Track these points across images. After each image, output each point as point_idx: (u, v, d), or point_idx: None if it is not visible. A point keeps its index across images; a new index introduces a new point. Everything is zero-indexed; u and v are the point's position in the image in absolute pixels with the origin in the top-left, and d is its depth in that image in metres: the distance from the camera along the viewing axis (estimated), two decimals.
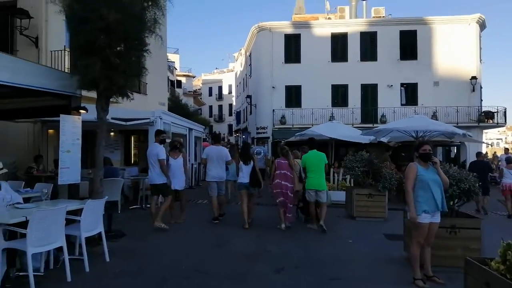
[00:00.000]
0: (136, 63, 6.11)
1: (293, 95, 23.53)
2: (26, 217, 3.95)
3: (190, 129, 13.93)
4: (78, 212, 4.80)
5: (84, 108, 6.05)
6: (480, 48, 23.08)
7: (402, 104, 22.44)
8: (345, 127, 14.70)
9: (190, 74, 51.34)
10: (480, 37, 23.05)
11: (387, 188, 8.28)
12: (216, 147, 8.07)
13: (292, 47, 23.79)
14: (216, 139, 8.76)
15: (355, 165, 8.68)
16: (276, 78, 23.61)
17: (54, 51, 11.03)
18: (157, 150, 6.90)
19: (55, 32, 11.19)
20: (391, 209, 8.57)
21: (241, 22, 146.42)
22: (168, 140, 8.65)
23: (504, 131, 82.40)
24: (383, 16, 24.95)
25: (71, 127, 5.87)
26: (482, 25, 23.11)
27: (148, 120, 9.54)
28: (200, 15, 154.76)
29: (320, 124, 17.39)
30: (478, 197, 8.12)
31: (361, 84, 22.98)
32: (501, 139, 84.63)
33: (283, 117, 22.84)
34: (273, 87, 23.65)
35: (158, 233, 6.74)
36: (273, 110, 23.29)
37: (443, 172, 4.74)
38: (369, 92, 22.97)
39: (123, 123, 9.21)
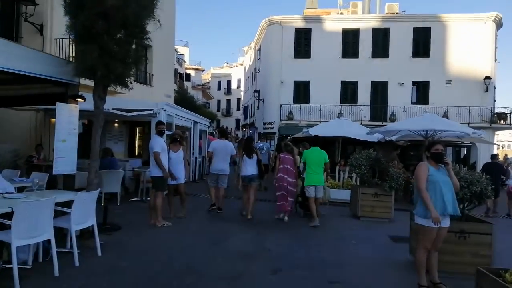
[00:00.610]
0: (135, 51, 5.88)
1: (302, 91, 23.20)
2: (11, 208, 3.78)
3: (195, 122, 13.73)
4: (70, 203, 4.63)
5: (82, 97, 5.84)
6: (496, 48, 22.45)
7: (413, 103, 21.97)
8: (353, 124, 14.37)
9: (200, 67, 51.13)
10: (496, 36, 22.41)
11: (394, 188, 7.99)
12: (223, 141, 8.15)
13: (302, 42, 23.42)
14: (222, 133, 8.64)
15: (361, 163, 8.42)
16: (285, 73, 23.29)
17: (59, 39, 10.87)
18: (152, 143, 6.70)
19: (60, 20, 10.97)
20: (397, 209, 8.30)
21: (252, 16, 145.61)
22: (170, 133, 8.46)
23: None
24: (396, 13, 24.41)
25: (67, 116, 5.68)
26: (499, 24, 22.45)
27: (151, 112, 9.33)
28: (211, 9, 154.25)
29: (328, 120, 17.08)
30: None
31: (372, 81, 22.56)
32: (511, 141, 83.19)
33: (290, 112, 22.54)
34: (281, 82, 23.34)
35: (154, 228, 6.56)
36: (281, 106, 23.00)
37: (455, 174, 4.47)
38: (379, 90, 22.54)
39: (125, 113, 9.03)
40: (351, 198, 8.86)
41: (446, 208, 4.11)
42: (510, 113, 21.28)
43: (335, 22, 23.41)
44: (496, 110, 21.70)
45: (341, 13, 26.04)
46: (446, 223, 4.24)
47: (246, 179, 7.64)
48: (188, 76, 45.44)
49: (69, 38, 10.72)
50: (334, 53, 22.82)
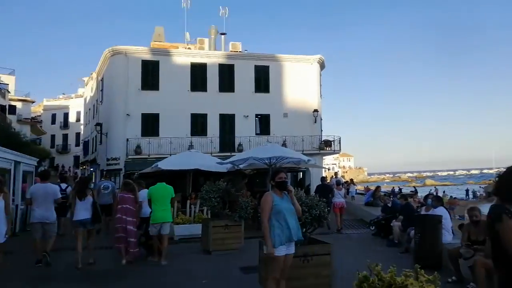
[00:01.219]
0: None
1: (150, 124, 22.33)
2: None
3: (17, 163, 11.42)
4: None
5: None
6: (321, 85, 26.30)
7: (256, 134, 23.61)
8: (204, 156, 14.34)
9: (28, 98, 44.21)
10: (320, 75, 26.31)
11: (244, 217, 8.04)
12: (43, 185, 7.09)
13: (150, 74, 22.81)
14: (43, 176, 7.37)
15: (211, 196, 8.24)
16: (132, 105, 22.12)
17: None
18: None
19: None
20: (248, 237, 8.34)
21: (94, 46, 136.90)
22: None
23: (338, 157, 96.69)
24: (240, 51, 26.29)
25: None
26: (322, 65, 26.47)
27: None
28: (45, 35, 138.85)
29: (178, 153, 16.68)
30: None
31: (220, 114, 23.39)
32: (335, 164, 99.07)
33: (138, 146, 21.30)
34: (127, 114, 22.01)
35: None
36: (127, 139, 21.56)
37: (297, 199, 4.65)
38: (227, 122, 23.52)
39: None
40: (202, 232, 8.53)
41: (292, 235, 4.17)
42: (333, 141, 24.92)
43: (183, 56, 23.69)
44: (323, 138, 25.13)
45: (189, 48, 26.58)
46: (291, 250, 4.28)
47: (78, 223, 6.72)
48: (13, 108, 38.85)
49: None
50: (183, 86, 22.91)
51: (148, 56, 23.08)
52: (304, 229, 5.17)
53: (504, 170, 2.63)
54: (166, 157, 15.79)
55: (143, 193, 7.66)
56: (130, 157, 21.21)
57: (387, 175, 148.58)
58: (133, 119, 22.07)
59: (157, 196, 7.14)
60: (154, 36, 27.74)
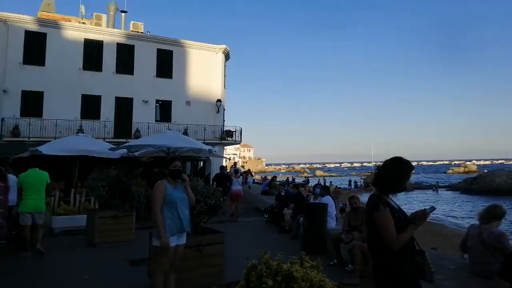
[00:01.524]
0: None
1: (32, 103, 19.70)
2: None
3: None
4: None
5: None
6: (225, 75, 26.31)
7: (157, 120, 22.62)
8: (94, 141, 13.11)
9: None
10: (225, 66, 26.29)
11: (135, 207, 7.58)
12: None
13: (35, 47, 20.07)
14: None
15: (99, 184, 7.56)
16: (10, 80, 19.24)
17: None
18: None
19: None
20: (139, 228, 7.88)
21: None
22: None
23: (239, 147, 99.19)
24: (141, 32, 24.72)
25: None
26: (227, 56, 26.44)
27: None
28: None
29: (64, 137, 15.02)
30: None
31: (116, 97, 21.77)
32: (236, 154, 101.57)
33: (16, 127, 18.59)
34: (4, 90, 19.10)
35: None
36: (3, 119, 18.70)
37: (193, 188, 4.56)
38: (124, 106, 21.98)
39: None
40: (87, 224, 7.81)
41: (183, 225, 4.07)
42: (235, 131, 25.25)
43: (76, 31, 21.35)
44: (225, 128, 25.30)
45: (83, 23, 24.04)
46: (182, 240, 4.15)
47: None
48: None
49: None
50: (74, 64, 20.73)
51: (33, 27, 20.26)
52: (199, 219, 5.07)
53: (382, 163, 2.84)
54: (50, 141, 14.11)
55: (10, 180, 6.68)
56: (5, 139, 18.41)
57: (283, 165, 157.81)
58: (11, 96, 19.27)
59: (28, 183, 6.46)
60: (43, 6, 24.35)
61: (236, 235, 8.86)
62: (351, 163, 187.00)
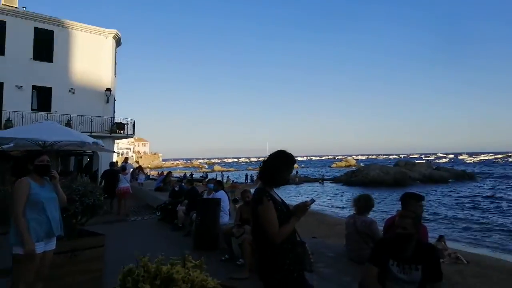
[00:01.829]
0: None
1: None
2: None
3: None
4: None
5: None
6: (116, 63, 24.46)
7: (33, 109, 19.89)
8: None
9: None
10: (115, 52, 24.41)
11: None
12: None
13: None
14: None
15: None
16: None
17: None
18: None
19: None
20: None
21: None
22: None
23: (133, 142, 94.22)
24: (16, 7, 21.40)
25: None
26: (118, 42, 24.56)
27: None
28: None
29: None
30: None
31: None
32: (130, 148, 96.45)
33: None
34: None
35: None
36: None
37: (67, 186, 4.12)
38: None
39: None
40: None
41: (52, 228, 3.57)
42: (127, 124, 23.62)
43: None
44: (116, 120, 23.55)
45: None
46: (51, 246, 3.65)
47: None
48: None
49: None
50: None
51: None
52: (75, 220, 4.53)
53: (267, 157, 2.84)
54: None
55: None
56: None
57: (181, 161, 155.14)
58: None
59: None
60: None
61: (124, 235, 8.34)
62: (248, 158, 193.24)
